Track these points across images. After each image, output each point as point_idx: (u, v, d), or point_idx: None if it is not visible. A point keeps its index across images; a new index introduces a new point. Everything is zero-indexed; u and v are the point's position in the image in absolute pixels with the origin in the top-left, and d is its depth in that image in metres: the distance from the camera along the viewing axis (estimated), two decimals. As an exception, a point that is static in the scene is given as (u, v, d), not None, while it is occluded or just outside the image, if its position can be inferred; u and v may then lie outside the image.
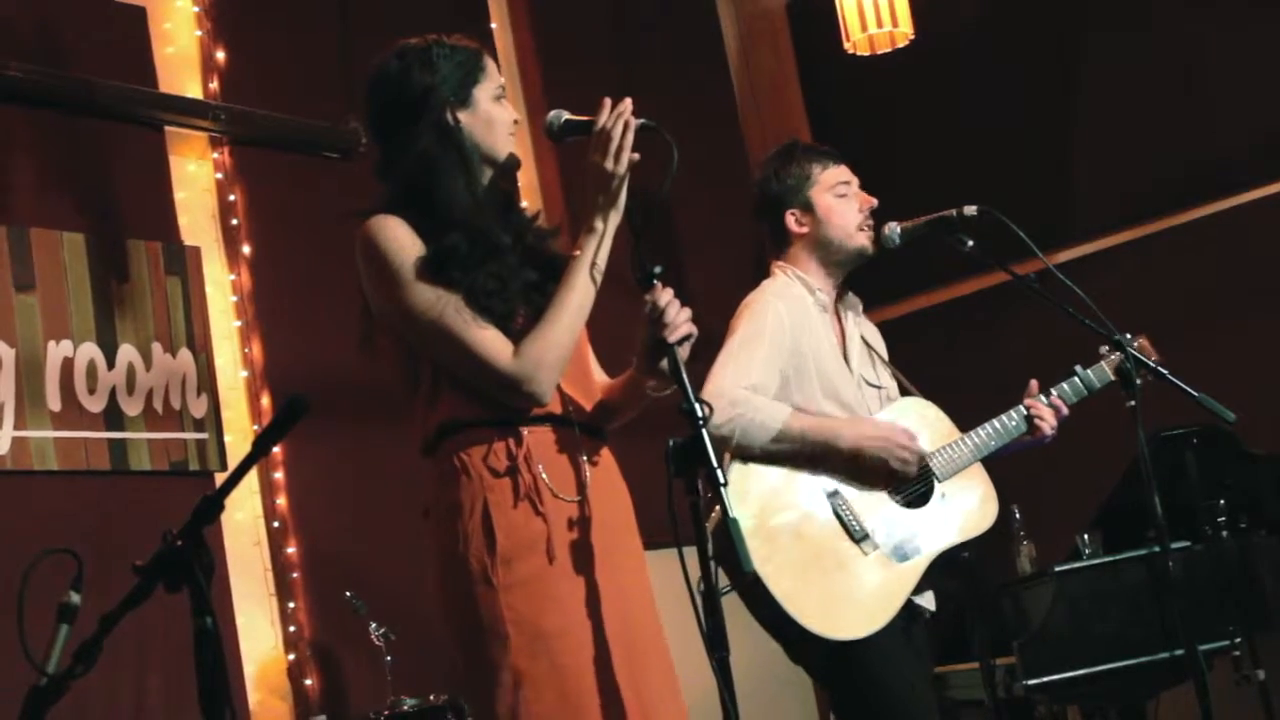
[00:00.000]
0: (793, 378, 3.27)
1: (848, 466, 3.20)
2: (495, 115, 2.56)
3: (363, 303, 2.57)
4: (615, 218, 2.46)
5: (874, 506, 3.22)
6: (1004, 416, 3.39)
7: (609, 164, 2.43)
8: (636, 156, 2.44)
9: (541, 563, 2.41)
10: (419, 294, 2.43)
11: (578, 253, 2.46)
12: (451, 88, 2.53)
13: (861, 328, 3.49)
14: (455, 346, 2.42)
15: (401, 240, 2.45)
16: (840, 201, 3.40)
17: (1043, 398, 3.43)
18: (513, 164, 2.60)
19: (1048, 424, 3.39)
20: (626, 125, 2.43)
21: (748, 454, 3.16)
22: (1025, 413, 3.40)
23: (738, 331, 3.29)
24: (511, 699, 2.37)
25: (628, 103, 2.45)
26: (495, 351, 2.41)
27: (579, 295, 2.45)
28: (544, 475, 2.43)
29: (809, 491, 3.19)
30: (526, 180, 5.63)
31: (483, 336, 2.41)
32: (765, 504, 3.15)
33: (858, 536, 3.17)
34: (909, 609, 3.19)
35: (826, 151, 3.47)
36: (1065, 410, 3.43)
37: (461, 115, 2.53)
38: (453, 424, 2.47)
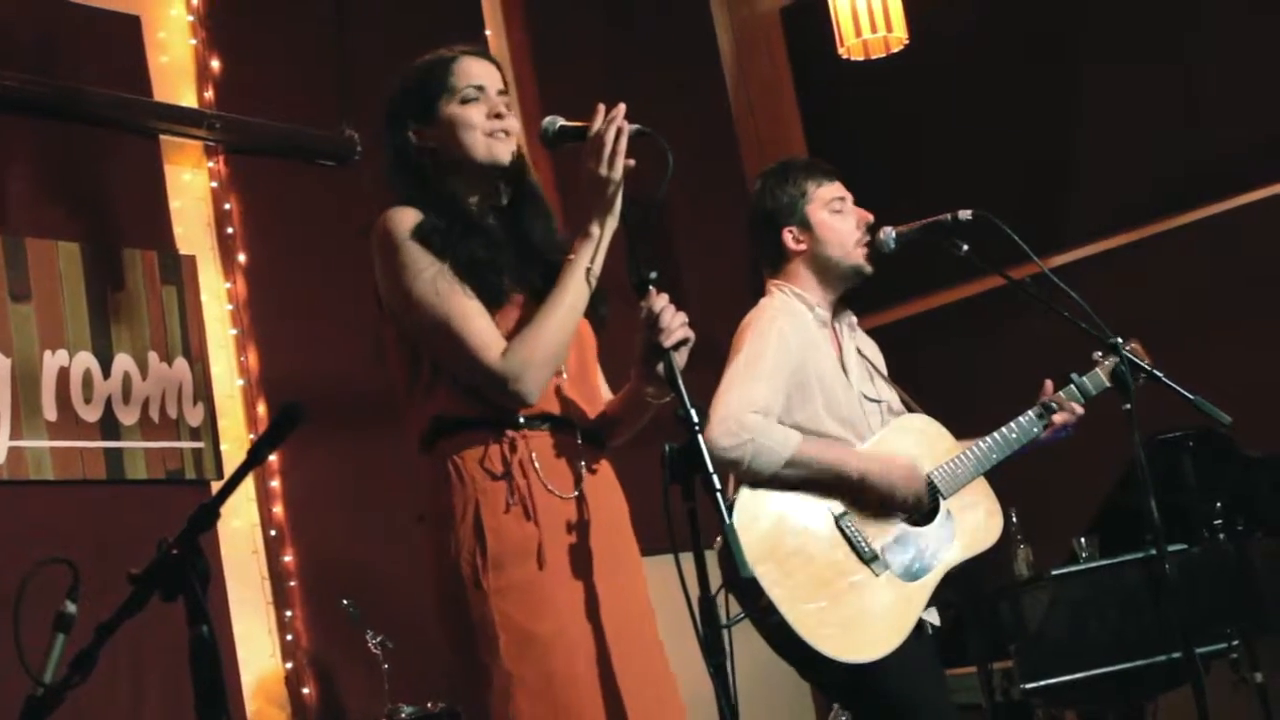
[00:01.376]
0: (795, 395, 3.26)
1: (855, 494, 3.20)
2: (460, 119, 2.55)
3: (378, 303, 2.58)
4: (611, 224, 2.47)
5: (882, 526, 3.22)
6: (1004, 429, 3.38)
7: (603, 170, 2.43)
8: (632, 163, 2.44)
9: (532, 568, 2.41)
10: (419, 274, 2.43)
11: (573, 257, 2.47)
12: (414, 108, 2.58)
13: (858, 342, 3.49)
14: (449, 336, 2.42)
15: (411, 224, 2.47)
16: (836, 218, 3.40)
17: (1054, 402, 3.42)
18: (496, 159, 2.57)
19: (1063, 418, 3.39)
20: (620, 131, 2.43)
21: (756, 479, 3.16)
22: (1031, 418, 3.39)
23: (741, 352, 3.27)
24: (502, 702, 2.37)
25: (621, 108, 2.46)
26: (485, 347, 2.41)
27: (571, 296, 2.45)
28: (539, 470, 2.44)
29: (817, 515, 3.19)
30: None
31: (476, 330, 2.42)
32: (774, 529, 3.14)
33: (867, 557, 3.17)
34: (916, 624, 3.19)
35: (822, 167, 3.47)
36: (1080, 410, 3.43)
37: (428, 131, 2.57)
38: (448, 420, 2.47)
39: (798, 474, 3.16)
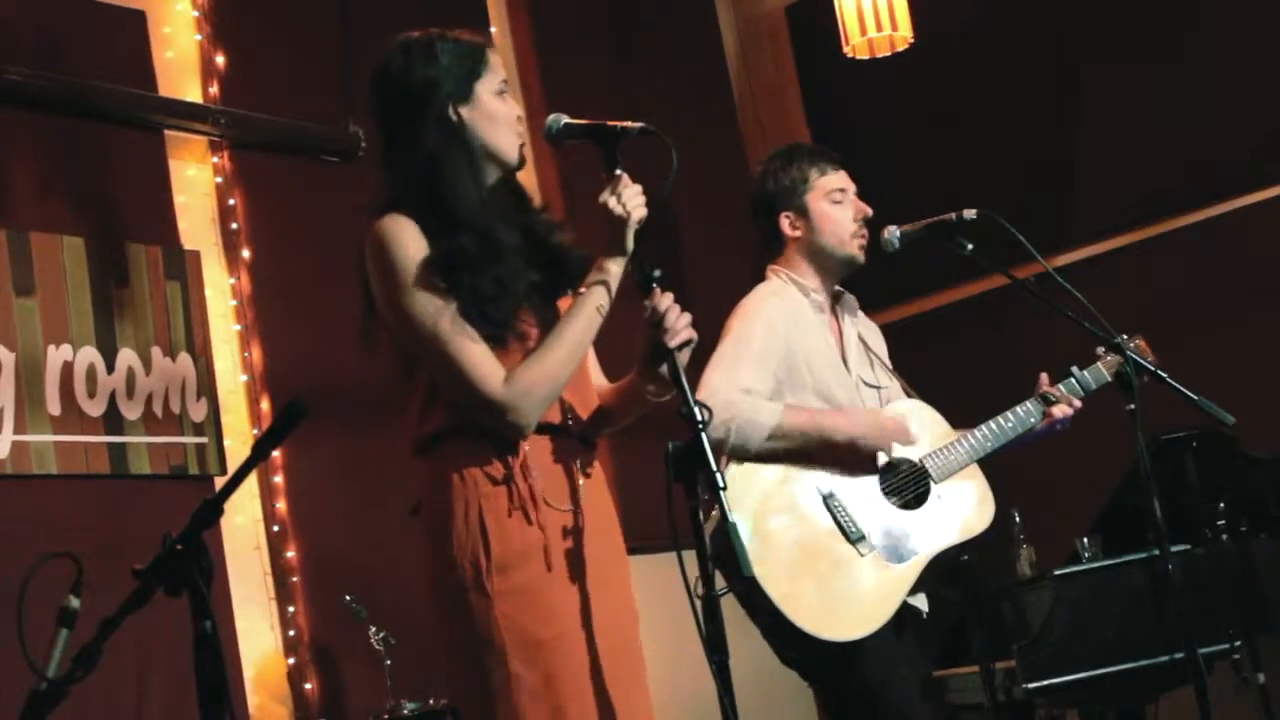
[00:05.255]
0: (785, 380, 3.28)
1: (844, 457, 3.20)
2: (498, 111, 2.54)
3: (365, 300, 2.55)
4: (624, 261, 2.45)
5: (870, 508, 3.22)
6: (1000, 418, 3.40)
7: (619, 210, 2.41)
8: (645, 213, 2.42)
9: (538, 571, 2.41)
10: (420, 302, 2.41)
11: (584, 290, 2.45)
12: (454, 82, 2.51)
13: (860, 327, 3.50)
14: (448, 364, 2.40)
15: (410, 243, 2.43)
16: (834, 208, 3.41)
17: (1052, 394, 3.43)
18: (519, 159, 2.58)
19: (1062, 411, 3.39)
20: (632, 203, 2.41)
21: (744, 454, 3.17)
22: (1029, 409, 3.40)
23: (729, 335, 3.31)
24: (506, 706, 2.36)
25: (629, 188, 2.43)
26: (485, 376, 2.39)
27: (579, 332, 2.44)
28: (539, 476, 2.43)
29: (805, 492, 3.19)
30: (526, 181, 5.62)
31: (476, 359, 2.39)
32: (761, 505, 3.15)
33: (854, 538, 3.17)
34: (902, 610, 3.19)
35: (827, 155, 3.47)
36: (1079, 404, 3.44)
37: (464, 111, 2.51)
38: (449, 430, 2.46)
39: (784, 444, 3.17)
